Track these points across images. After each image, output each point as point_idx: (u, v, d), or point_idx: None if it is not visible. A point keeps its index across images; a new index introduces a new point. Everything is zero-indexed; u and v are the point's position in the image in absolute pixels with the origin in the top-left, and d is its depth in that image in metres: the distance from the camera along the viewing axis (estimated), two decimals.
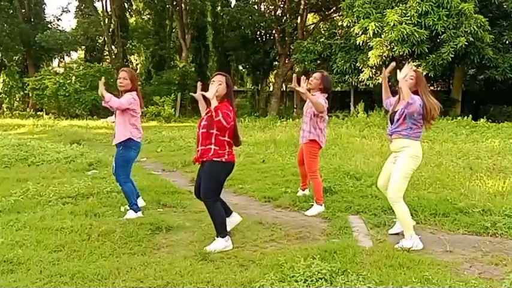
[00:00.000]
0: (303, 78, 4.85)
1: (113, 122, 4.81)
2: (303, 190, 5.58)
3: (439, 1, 15.62)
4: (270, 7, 28.00)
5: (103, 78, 4.68)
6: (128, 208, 4.70)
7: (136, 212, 4.63)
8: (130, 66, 34.08)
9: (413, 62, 16.76)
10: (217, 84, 3.79)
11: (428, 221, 4.58)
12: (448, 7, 15.58)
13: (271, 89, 29.85)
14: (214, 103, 3.70)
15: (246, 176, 6.93)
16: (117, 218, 4.50)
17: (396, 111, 3.95)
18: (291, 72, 26.39)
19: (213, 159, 3.77)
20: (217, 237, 3.81)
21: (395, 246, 3.77)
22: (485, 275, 3.27)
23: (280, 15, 27.28)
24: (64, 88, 22.75)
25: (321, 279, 3.03)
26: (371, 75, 17.96)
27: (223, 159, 3.78)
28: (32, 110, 26.21)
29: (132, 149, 4.66)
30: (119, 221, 4.38)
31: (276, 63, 28.13)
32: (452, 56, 15.62)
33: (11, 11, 28.27)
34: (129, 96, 4.61)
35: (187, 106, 26.38)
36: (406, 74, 3.80)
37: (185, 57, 27.77)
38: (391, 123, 3.97)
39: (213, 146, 3.77)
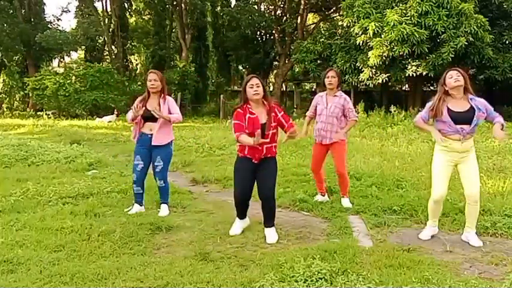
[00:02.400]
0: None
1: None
2: (324, 195, 5.39)
3: (439, 1, 15.62)
4: (270, 7, 28.03)
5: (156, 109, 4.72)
6: (165, 203, 4.97)
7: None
8: (130, 66, 34.09)
9: (413, 62, 16.78)
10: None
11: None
12: (448, 7, 15.58)
13: (271, 89, 29.86)
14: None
15: None
16: (117, 218, 4.50)
17: (466, 111, 3.83)
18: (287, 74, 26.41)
19: (275, 155, 4.15)
20: (273, 227, 4.12)
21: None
22: (485, 275, 3.27)
23: (280, 15, 27.31)
24: (64, 88, 22.74)
25: (321, 279, 3.03)
26: (371, 75, 17.96)
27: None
28: (32, 110, 26.21)
29: (173, 145, 5.02)
30: (119, 221, 4.38)
31: (276, 63, 28.17)
32: (452, 56, 15.62)
33: (11, 11, 28.26)
34: (175, 104, 4.94)
35: (187, 106, 26.38)
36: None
37: (185, 57, 27.77)
38: (464, 123, 3.82)
39: (274, 144, 4.10)
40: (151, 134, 4.76)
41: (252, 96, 3.99)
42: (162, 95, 4.82)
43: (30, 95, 25.17)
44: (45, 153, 8.50)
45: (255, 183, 4.13)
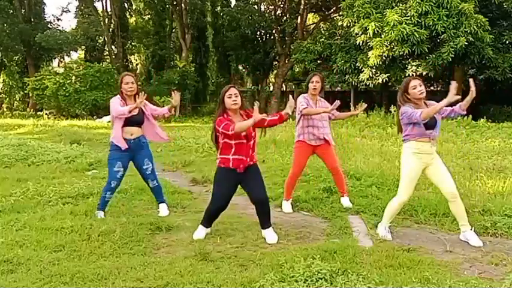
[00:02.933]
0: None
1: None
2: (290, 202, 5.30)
3: (439, 1, 15.62)
4: (270, 7, 28.04)
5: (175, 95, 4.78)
6: (163, 201, 4.99)
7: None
8: (130, 66, 34.10)
9: (413, 61, 16.78)
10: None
11: (428, 221, 4.58)
12: (448, 7, 15.58)
13: (271, 89, 29.86)
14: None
15: None
16: (117, 218, 4.50)
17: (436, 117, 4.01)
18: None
19: (256, 162, 4.20)
20: (271, 226, 4.14)
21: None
22: (485, 275, 3.26)
23: (280, 15, 27.31)
24: (64, 88, 22.75)
25: (321, 279, 3.03)
26: (371, 75, 17.96)
27: None
28: (32, 110, 26.21)
29: None
30: (119, 221, 4.38)
31: (276, 63, 28.17)
32: (452, 56, 15.62)
33: (11, 11, 28.29)
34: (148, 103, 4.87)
35: (187, 106, 26.39)
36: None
37: (185, 57, 27.79)
38: (432, 128, 3.98)
39: (254, 152, 4.16)
40: (134, 139, 4.68)
41: (230, 106, 3.97)
42: (137, 96, 4.65)
43: (30, 95, 25.20)
44: (45, 153, 8.51)
45: (236, 191, 4.18)
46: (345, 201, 5.14)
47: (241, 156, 3.98)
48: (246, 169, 4.04)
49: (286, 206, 5.17)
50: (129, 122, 4.64)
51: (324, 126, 5.11)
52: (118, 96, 4.73)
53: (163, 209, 4.91)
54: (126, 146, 4.61)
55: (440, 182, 4.02)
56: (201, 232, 4.15)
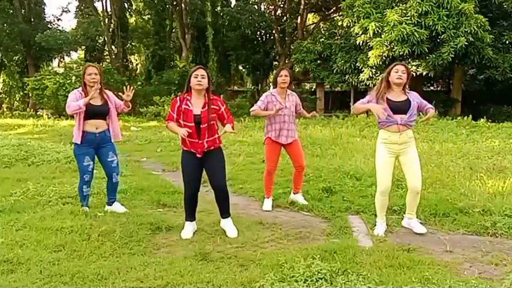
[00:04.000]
0: None
1: None
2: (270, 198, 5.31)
3: (439, 1, 15.63)
4: (270, 7, 28.04)
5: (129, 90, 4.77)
6: (115, 200, 4.94)
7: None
8: (130, 66, 34.09)
9: (413, 61, 16.78)
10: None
11: (428, 221, 4.58)
12: (448, 7, 15.58)
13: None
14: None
15: (246, 176, 6.92)
16: (117, 218, 4.50)
17: (403, 102, 4.07)
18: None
19: (220, 146, 4.17)
20: (229, 217, 4.20)
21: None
22: (485, 275, 3.26)
23: (280, 15, 27.32)
24: (64, 88, 22.72)
25: (321, 279, 3.03)
26: (371, 75, 17.97)
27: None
28: (32, 110, 26.21)
29: None
30: (119, 221, 4.38)
31: (276, 63, 28.14)
32: (452, 56, 15.63)
33: (11, 11, 28.26)
34: (114, 96, 4.83)
35: None
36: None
37: (185, 57, 27.78)
38: (401, 113, 4.04)
39: (216, 135, 4.10)
40: (99, 133, 4.63)
41: (194, 86, 4.01)
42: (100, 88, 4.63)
43: (30, 95, 25.17)
44: (45, 153, 8.50)
45: (202, 176, 4.20)
46: (300, 199, 5.27)
47: (194, 140, 3.99)
48: (206, 154, 4.05)
49: (266, 204, 5.20)
50: (93, 114, 4.59)
51: (288, 125, 5.11)
52: (78, 89, 4.69)
53: (117, 207, 4.86)
54: (79, 142, 4.56)
55: (407, 174, 4.19)
56: (188, 229, 4.16)
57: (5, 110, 28.49)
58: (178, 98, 4.12)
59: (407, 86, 4.15)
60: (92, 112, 4.56)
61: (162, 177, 6.97)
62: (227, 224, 4.16)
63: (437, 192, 5.45)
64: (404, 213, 4.79)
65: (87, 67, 4.71)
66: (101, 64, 27.28)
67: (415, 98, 4.14)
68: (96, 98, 4.59)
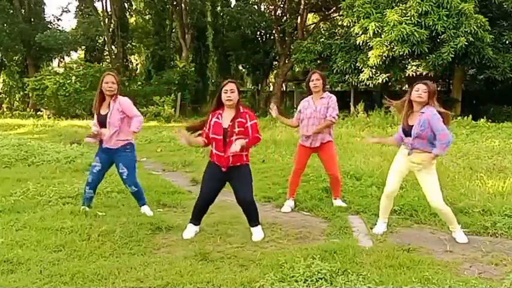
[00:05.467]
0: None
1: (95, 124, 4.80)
2: (293, 200, 5.28)
3: (439, 1, 15.61)
4: (270, 7, 28.01)
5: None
6: (143, 204, 4.90)
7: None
8: (130, 66, 34.08)
9: (413, 61, 16.76)
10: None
11: (428, 221, 4.58)
12: (448, 7, 15.57)
13: (271, 89, 29.84)
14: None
15: None
16: (117, 218, 4.50)
17: (413, 125, 3.97)
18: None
19: (247, 163, 4.13)
20: (258, 225, 4.15)
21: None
22: (485, 275, 3.27)
23: (280, 15, 27.30)
24: (64, 88, 22.72)
25: (321, 279, 3.03)
26: (371, 75, 17.95)
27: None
28: (32, 110, 26.20)
29: (134, 149, 4.79)
30: (119, 221, 4.39)
31: (276, 63, 28.14)
32: (452, 56, 15.61)
33: (11, 11, 28.24)
34: (132, 105, 4.68)
35: (187, 106, 26.37)
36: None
37: (185, 57, 27.76)
38: (407, 135, 4.02)
39: (244, 152, 4.04)
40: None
41: (224, 101, 4.00)
42: (113, 96, 4.61)
43: (30, 95, 25.15)
44: (45, 153, 8.50)
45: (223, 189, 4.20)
46: (339, 202, 5.18)
47: (221, 153, 3.97)
48: (232, 169, 4.02)
49: (286, 205, 5.17)
50: (100, 122, 4.66)
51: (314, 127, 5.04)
52: (96, 97, 4.69)
53: (146, 210, 4.83)
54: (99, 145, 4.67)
55: (424, 192, 4.12)
56: (190, 230, 4.16)
57: (5, 110, 28.47)
58: (210, 114, 4.10)
59: (434, 103, 3.95)
60: (100, 121, 4.66)
61: (162, 177, 6.98)
62: (254, 230, 4.14)
63: None
64: (404, 213, 4.82)
65: (106, 75, 4.68)
66: (101, 64, 27.27)
67: (424, 120, 3.87)
68: (105, 106, 4.63)
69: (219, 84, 29.59)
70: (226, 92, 3.98)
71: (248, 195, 4.08)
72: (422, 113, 3.92)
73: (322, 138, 5.05)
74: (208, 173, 4.14)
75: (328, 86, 23.35)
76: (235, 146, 3.86)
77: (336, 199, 5.21)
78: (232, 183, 4.11)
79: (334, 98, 5.08)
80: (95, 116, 4.74)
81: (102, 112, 4.64)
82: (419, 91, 3.94)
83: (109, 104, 4.61)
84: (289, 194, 5.25)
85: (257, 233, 4.10)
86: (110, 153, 4.65)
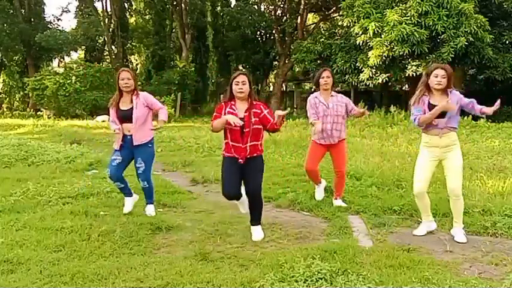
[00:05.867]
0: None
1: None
2: (321, 182, 5.34)
3: (439, 1, 15.61)
4: (270, 7, 28.04)
5: None
6: (150, 203, 4.88)
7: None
8: (130, 66, 34.09)
9: (413, 61, 16.76)
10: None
11: None
12: (448, 7, 15.57)
13: (271, 89, 29.86)
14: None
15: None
16: (117, 218, 4.50)
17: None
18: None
19: (261, 154, 4.10)
20: (259, 225, 4.15)
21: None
22: (485, 275, 3.27)
23: (280, 15, 27.32)
24: (64, 88, 22.71)
25: (321, 279, 3.03)
26: (371, 75, 17.95)
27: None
28: (32, 110, 26.20)
29: (153, 145, 4.82)
30: (119, 221, 4.39)
31: (276, 63, 28.15)
32: (452, 56, 15.61)
33: (11, 11, 28.26)
34: (151, 96, 4.77)
35: (187, 106, 26.38)
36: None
37: (185, 57, 27.77)
38: (440, 117, 3.91)
39: (260, 142, 4.06)
40: (130, 135, 4.61)
41: (236, 93, 3.98)
42: (134, 91, 4.66)
43: (30, 95, 25.15)
44: (45, 153, 8.50)
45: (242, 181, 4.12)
46: (339, 202, 5.17)
47: (238, 144, 3.94)
48: (248, 160, 4.00)
49: (318, 191, 5.28)
50: (122, 118, 4.63)
51: (332, 125, 5.00)
52: (116, 93, 4.72)
53: (149, 209, 4.82)
54: (118, 145, 4.63)
55: (446, 177, 4.07)
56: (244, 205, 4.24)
57: (5, 110, 28.48)
58: (223, 103, 4.06)
59: (451, 86, 3.99)
60: (121, 116, 4.63)
61: (162, 177, 6.97)
62: (254, 229, 4.13)
63: (437, 192, 5.45)
64: (404, 213, 4.81)
65: (121, 71, 4.71)
66: (101, 64, 27.27)
67: (456, 99, 3.95)
68: (125, 102, 4.64)
69: (219, 84, 29.64)
70: (237, 84, 3.96)
71: (257, 186, 4.05)
72: (450, 92, 3.96)
73: (340, 135, 5.05)
74: (228, 166, 4.04)
75: None
76: (281, 112, 3.84)
77: (336, 199, 5.20)
78: (245, 174, 4.05)
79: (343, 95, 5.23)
80: (112, 113, 4.67)
81: (123, 108, 4.62)
82: (438, 77, 3.91)
83: (131, 100, 4.62)
84: (315, 183, 5.34)
85: (257, 233, 4.10)
86: (132, 147, 4.63)
